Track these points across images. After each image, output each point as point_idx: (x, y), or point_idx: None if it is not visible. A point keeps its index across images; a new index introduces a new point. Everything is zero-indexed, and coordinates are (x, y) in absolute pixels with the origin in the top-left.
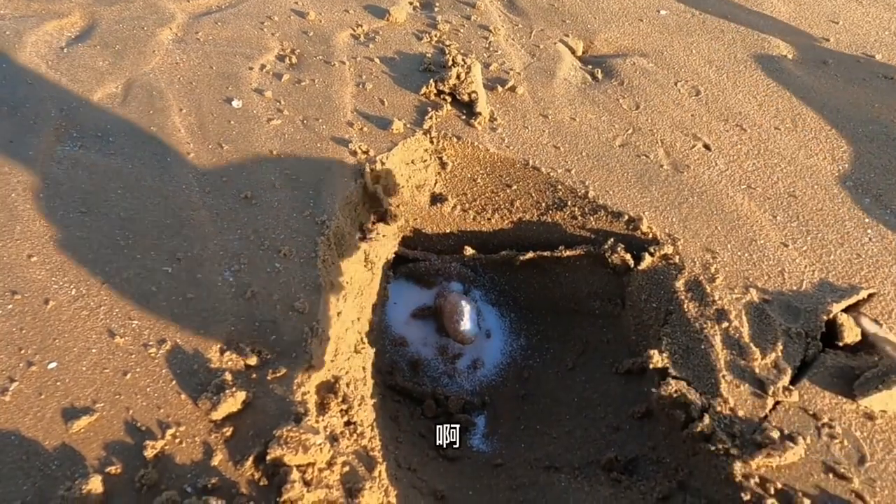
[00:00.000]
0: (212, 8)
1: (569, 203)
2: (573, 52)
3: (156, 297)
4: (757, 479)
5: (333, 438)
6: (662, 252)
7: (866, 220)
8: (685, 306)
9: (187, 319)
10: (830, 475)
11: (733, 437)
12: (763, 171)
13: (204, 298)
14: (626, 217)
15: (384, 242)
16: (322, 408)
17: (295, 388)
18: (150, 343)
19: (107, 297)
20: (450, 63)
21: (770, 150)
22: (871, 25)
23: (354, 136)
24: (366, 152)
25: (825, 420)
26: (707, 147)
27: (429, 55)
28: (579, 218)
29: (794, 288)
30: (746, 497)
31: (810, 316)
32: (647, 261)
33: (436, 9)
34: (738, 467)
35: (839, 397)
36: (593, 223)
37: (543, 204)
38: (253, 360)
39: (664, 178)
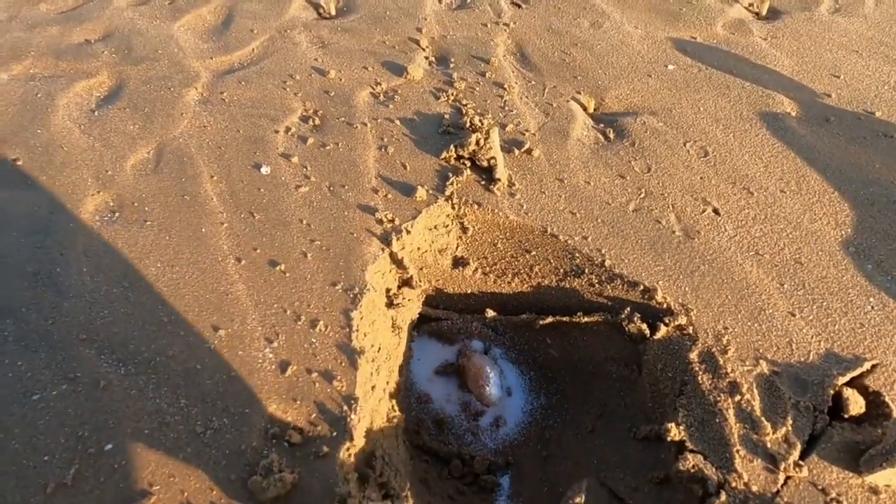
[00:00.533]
0: (234, 66)
1: (586, 270)
2: (585, 109)
3: (201, 375)
4: None
5: None
6: (677, 322)
7: (869, 288)
8: (699, 378)
9: (232, 398)
10: None
11: None
12: (770, 236)
13: (246, 376)
14: (642, 287)
15: (409, 306)
16: (362, 482)
17: (338, 468)
18: (199, 423)
19: (154, 375)
20: (468, 125)
21: (776, 214)
22: (871, 80)
23: (380, 203)
24: (391, 221)
25: (833, 495)
26: (716, 212)
27: (447, 116)
28: (597, 286)
29: (802, 359)
30: None
31: (818, 389)
32: (663, 331)
33: (451, 64)
34: None
35: (846, 472)
36: (610, 291)
37: (562, 270)
38: (297, 439)
39: (676, 245)
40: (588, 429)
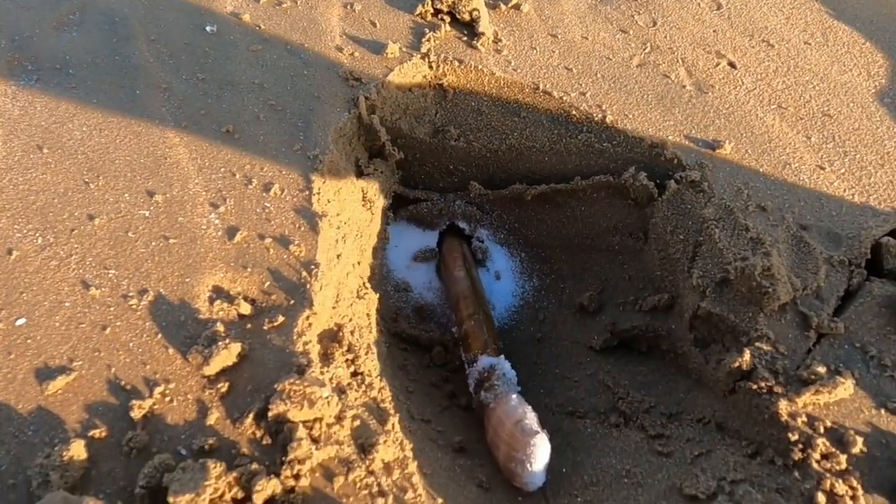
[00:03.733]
0: None
1: (584, 129)
2: None
3: (134, 244)
4: (804, 418)
5: (340, 391)
6: (689, 178)
7: None
8: (717, 236)
9: (171, 267)
10: (882, 410)
11: (776, 374)
12: (794, 89)
13: (188, 244)
14: (649, 142)
15: (382, 179)
16: (326, 358)
17: (295, 337)
18: (131, 294)
19: (78, 245)
20: None
21: (801, 66)
22: None
23: (345, 61)
24: (358, 79)
25: (873, 352)
26: (732, 65)
27: None
28: (596, 145)
29: (834, 213)
30: (794, 437)
31: (853, 242)
32: (673, 188)
33: None
34: (783, 406)
35: (887, 328)
36: (612, 150)
37: (557, 131)
38: (247, 309)
39: (687, 100)
40: (587, 305)
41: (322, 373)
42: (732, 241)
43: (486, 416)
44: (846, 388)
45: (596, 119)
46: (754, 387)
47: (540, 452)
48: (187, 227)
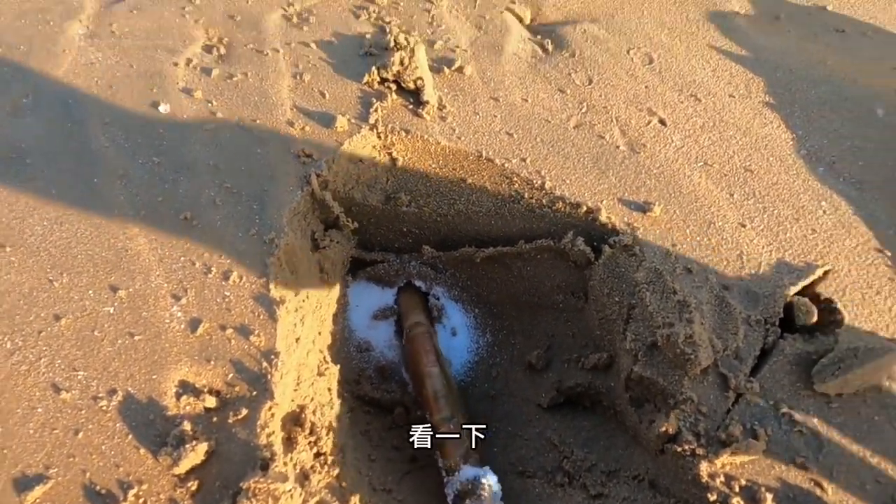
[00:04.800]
0: None
1: (526, 195)
2: (521, 20)
3: (100, 343)
4: (722, 478)
5: (304, 476)
6: (622, 243)
7: (820, 191)
8: (648, 300)
9: (137, 364)
10: (791, 466)
11: (698, 437)
12: (719, 144)
13: (153, 339)
14: (584, 208)
15: (338, 249)
16: (289, 444)
17: (259, 430)
18: (100, 395)
19: (46, 347)
20: (392, 44)
21: (725, 121)
22: None
23: (296, 136)
24: (309, 155)
25: (785, 409)
26: (662, 122)
27: (369, 35)
28: (538, 210)
29: (753, 271)
30: (713, 497)
31: (769, 301)
32: (608, 253)
33: None
34: (703, 467)
35: (797, 385)
36: (552, 215)
37: (501, 197)
38: (212, 403)
39: (621, 161)
40: (535, 363)
41: (285, 463)
42: (661, 305)
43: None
44: (759, 447)
45: (536, 185)
46: (679, 449)
47: None
48: (151, 321)
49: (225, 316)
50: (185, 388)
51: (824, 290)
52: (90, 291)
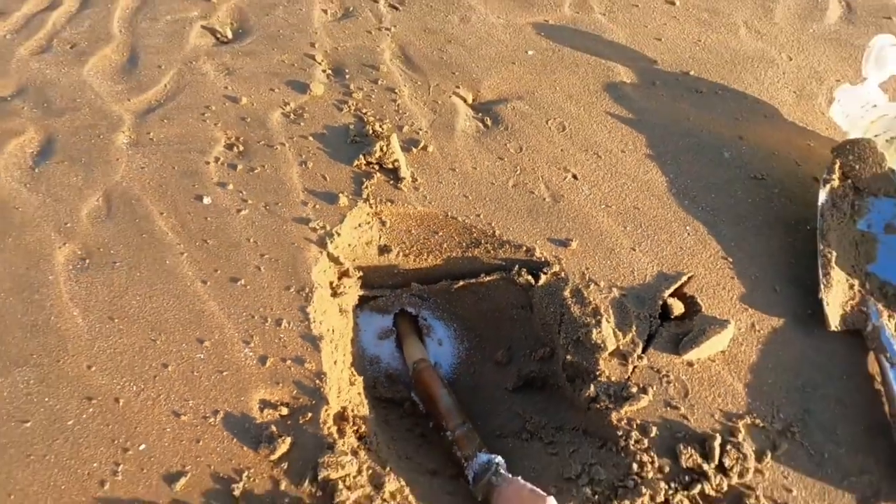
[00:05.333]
0: (152, 104)
1: (482, 241)
2: (465, 101)
3: (200, 380)
4: (625, 421)
5: (354, 453)
6: (552, 271)
7: (685, 219)
8: (572, 309)
9: (228, 392)
10: (668, 408)
11: (609, 397)
12: (616, 190)
13: (236, 373)
14: (525, 247)
15: (350, 293)
16: (341, 433)
17: (321, 425)
18: (208, 415)
19: (162, 387)
20: (371, 132)
21: (619, 171)
22: (686, 42)
23: (311, 214)
24: (323, 227)
25: (664, 373)
26: (575, 177)
27: (352, 126)
28: (492, 252)
29: (641, 282)
30: (620, 433)
31: (652, 302)
32: (543, 279)
33: (346, 76)
34: (614, 416)
35: (671, 356)
36: (502, 254)
37: (464, 243)
38: (285, 411)
39: (547, 210)
40: (501, 360)
41: (342, 445)
42: (581, 311)
43: (496, 494)
44: (647, 399)
45: (489, 233)
46: (598, 406)
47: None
48: (232, 361)
49: (283, 351)
50: (265, 404)
51: (689, 290)
52: (183, 345)
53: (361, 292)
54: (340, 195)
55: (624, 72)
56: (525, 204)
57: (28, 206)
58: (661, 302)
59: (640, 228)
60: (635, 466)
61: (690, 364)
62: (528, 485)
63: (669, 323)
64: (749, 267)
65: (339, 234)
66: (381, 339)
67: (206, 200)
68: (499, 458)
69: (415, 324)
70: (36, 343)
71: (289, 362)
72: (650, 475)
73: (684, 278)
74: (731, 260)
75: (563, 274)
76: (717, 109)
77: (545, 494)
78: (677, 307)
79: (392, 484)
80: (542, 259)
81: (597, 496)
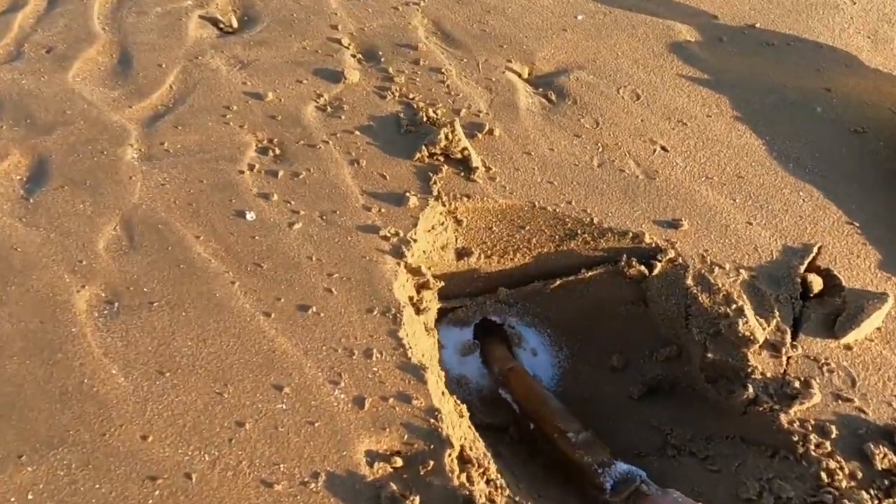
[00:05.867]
0: (159, 109)
1: (579, 232)
2: (520, 76)
3: (287, 437)
4: (797, 423)
5: (492, 501)
6: (668, 257)
7: (796, 184)
8: (700, 299)
9: (326, 447)
10: (839, 402)
11: (771, 396)
12: (712, 159)
13: (330, 422)
14: (631, 234)
15: (432, 308)
16: (470, 480)
17: (450, 475)
18: (307, 479)
19: (241, 451)
20: (424, 119)
21: (710, 138)
22: None
23: (377, 220)
24: (396, 234)
25: (823, 361)
26: (664, 149)
27: (401, 114)
28: (591, 242)
29: (769, 259)
30: (795, 438)
31: (787, 281)
32: (658, 268)
33: (381, 58)
34: (783, 418)
35: (825, 340)
36: (604, 244)
37: (557, 236)
38: (399, 462)
39: (644, 189)
40: (617, 365)
41: (480, 497)
42: (711, 300)
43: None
44: (817, 394)
45: (586, 222)
46: (760, 409)
47: None
48: (322, 408)
49: (382, 388)
50: (373, 455)
51: (822, 263)
52: (258, 395)
53: (439, 304)
54: (407, 195)
55: (686, 30)
56: (618, 184)
57: (29, 244)
58: (798, 280)
59: (751, 199)
60: (824, 476)
61: (848, 347)
62: (689, 500)
63: (811, 302)
64: (878, 229)
65: (415, 241)
66: (464, 356)
67: (250, 216)
68: (640, 470)
69: (501, 333)
70: (70, 415)
71: (392, 401)
72: (844, 484)
73: (815, 249)
74: (856, 224)
75: (680, 260)
76: (795, 62)
77: None
78: (816, 283)
79: None
80: (653, 245)
81: None
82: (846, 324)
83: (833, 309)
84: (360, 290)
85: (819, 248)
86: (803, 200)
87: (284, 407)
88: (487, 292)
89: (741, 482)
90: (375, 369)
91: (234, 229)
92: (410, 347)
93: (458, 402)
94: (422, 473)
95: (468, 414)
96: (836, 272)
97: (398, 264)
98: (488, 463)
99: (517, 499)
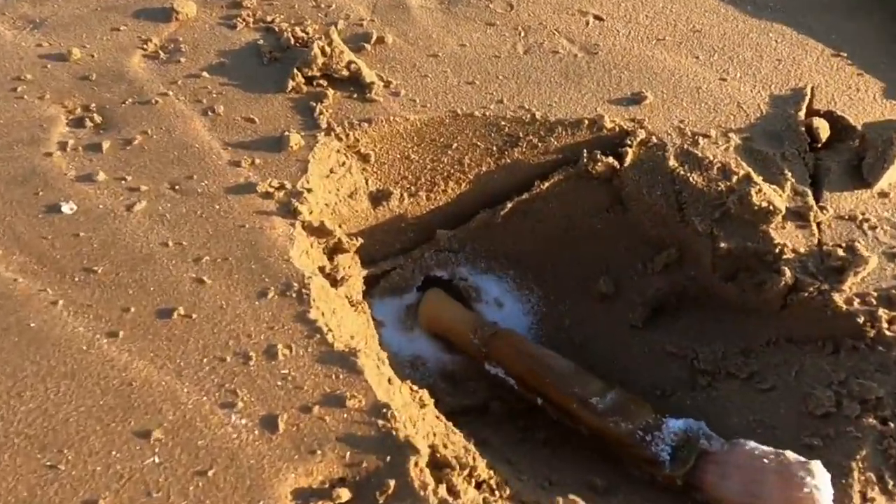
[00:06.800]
0: None
1: (521, 134)
2: None
3: (167, 502)
4: (857, 299)
5: None
6: (639, 139)
7: (762, 25)
8: (691, 179)
9: (239, 496)
10: (893, 262)
11: (814, 275)
12: (658, 19)
13: (230, 464)
14: (587, 122)
15: (355, 276)
16: (453, 492)
17: (421, 491)
18: None
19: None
20: (292, 42)
21: None
22: None
23: (252, 174)
24: (280, 187)
25: (860, 218)
26: (599, 17)
27: (261, 42)
28: (539, 145)
29: (757, 115)
30: (861, 319)
31: (789, 133)
32: (630, 155)
33: None
34: (837, 298)
35: (855, 193)
36: (556, 143)
37: (495, 147)
38: (346, 494)
39: (587, 67)
40: (606, 290)
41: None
42: (706, 176)
43: (712, 467)
44: (869, 257)
45: (526, 120)
46: (805, 295)
47: (822, 473)
48: (216, 446)
49: (299, 396)
50: (304, 495)
51: (819, 105)
52: (114, 453)
53: (364, 271)
54: (286, 134)
55: None
56: (555, 69)
57: None
58: (802, 129)
59: (716, 53)
60: None
61: (884, 194)
62: (767, 448)
63: (824, 153)
64: (870, 55)
65: (309, 191)
66: (410, 331)
67: (68, 209)
68: (698, 423)
69: (452, 292)
70: None
71: (317, 410)
72: None
73: (808, 91)
74: (844, 55)
75: (654, 139)
76: None
77: (803, 459)
78: (823, 129)
79: None
80: (617, 129)
81: None
82: (875, 165)
83: (852, 154)
84: (245, 270)
85: (812, 89)
86: (776, 42)
87: (157, 460)
88: (423, 242)
89: (808, 394)
90: (285, 372)
91: (46, 231)
92: (330, 331)
93: (415, 388)
94: (381, 501)
95: (432, 401)
96: (840, 113)
97: (291, 226)
98: (473, 460)
99: (523, 498)
